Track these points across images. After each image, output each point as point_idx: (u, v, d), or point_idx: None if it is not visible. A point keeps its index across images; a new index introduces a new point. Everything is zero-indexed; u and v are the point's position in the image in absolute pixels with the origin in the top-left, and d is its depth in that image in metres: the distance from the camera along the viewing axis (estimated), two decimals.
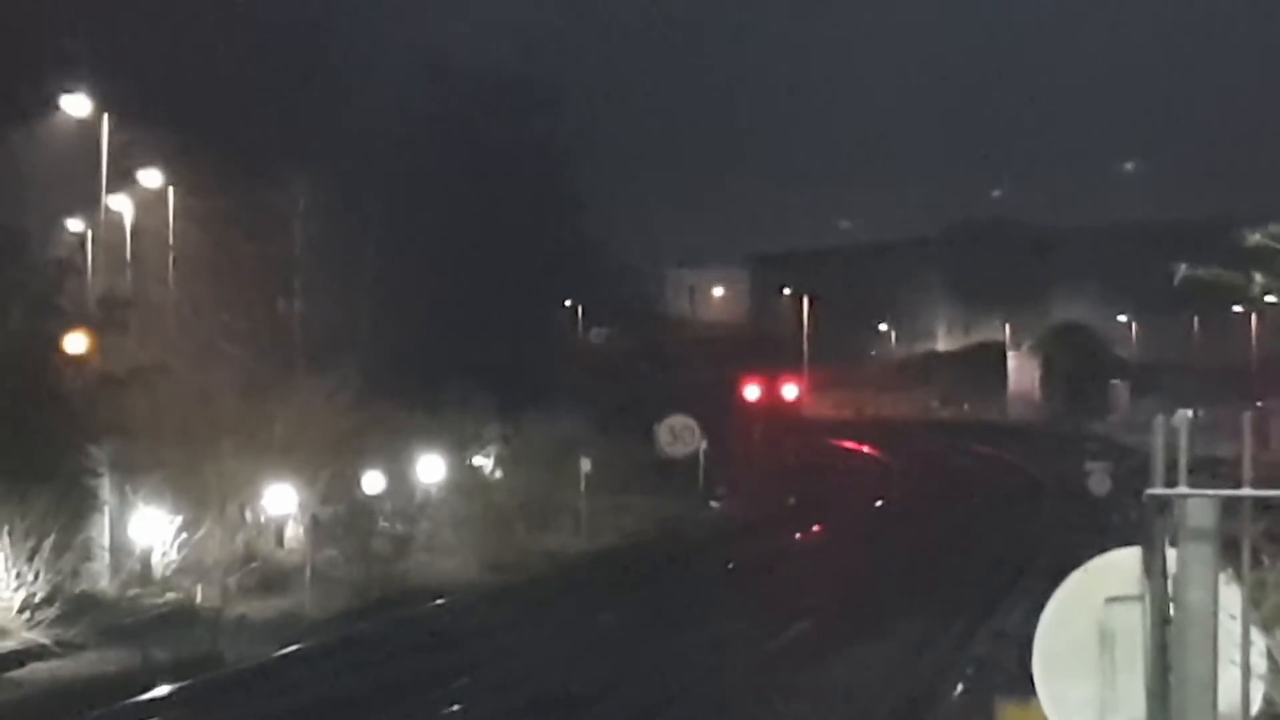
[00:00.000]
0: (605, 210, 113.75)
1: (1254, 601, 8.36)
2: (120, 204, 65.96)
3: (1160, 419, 8.69)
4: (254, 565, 54.49)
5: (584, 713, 36.37)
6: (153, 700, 38.47)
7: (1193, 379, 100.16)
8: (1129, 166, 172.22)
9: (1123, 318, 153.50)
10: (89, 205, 64.23)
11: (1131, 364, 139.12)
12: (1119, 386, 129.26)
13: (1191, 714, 8.13)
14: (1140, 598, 8.71)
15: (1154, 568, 8.47)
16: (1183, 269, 12.22)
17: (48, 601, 45.69)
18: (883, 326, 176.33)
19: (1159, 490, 8.29)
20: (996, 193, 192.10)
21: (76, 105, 61.36)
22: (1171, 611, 8.23)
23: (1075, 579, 9.50)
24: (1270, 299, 11.11)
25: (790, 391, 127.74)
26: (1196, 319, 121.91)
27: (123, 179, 64.63)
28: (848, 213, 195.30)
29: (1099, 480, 67.76)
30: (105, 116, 62.03)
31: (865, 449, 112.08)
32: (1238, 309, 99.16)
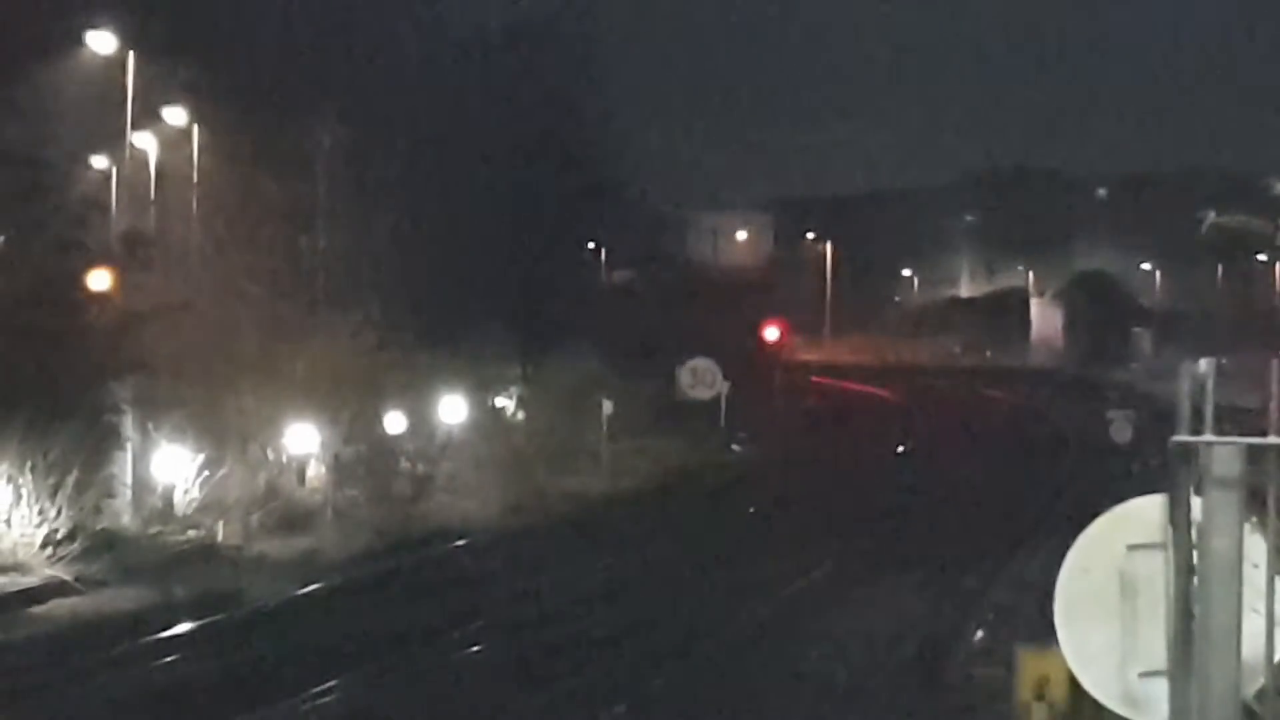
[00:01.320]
0: (630, 154, 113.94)
1: (1278, 551, 8.33)
2: (145, 141, 65.98)
3: (1187, 366, 8.65)
4: (275, 504, 54.66)
5: (598, 653, 36.25)
6: (173, 637, 38.49)
7: (1216, 327, 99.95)
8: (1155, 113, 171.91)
9: (1146, 266, 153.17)
10: (113, 142, 64.25)
11: (1155, 312, 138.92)
12: (1141, 334, 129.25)
13: (1214, 663, 8.11)
14: (1163, 546, 8.66)
15: (1178, 516, 8.43)
16: (1211, 216, 12.17)
17: (69, 538, 45.85)
18: (906, 272, 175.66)
19: (1185, 438, 8.26)
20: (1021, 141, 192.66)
21: (102, 42, 61.39)
22: (1195, 560, 8.20)
23: (1097, 526, 9.45)
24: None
25: (812, 336, 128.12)
26: (1221, 268, 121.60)
27: (148, 117, 64.59)
28: (872, 159, 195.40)
29: (1120, 428, 67.81)
30: (131, 54, 62.06)
31: (886, 394, 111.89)
32: (1262, 258, 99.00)
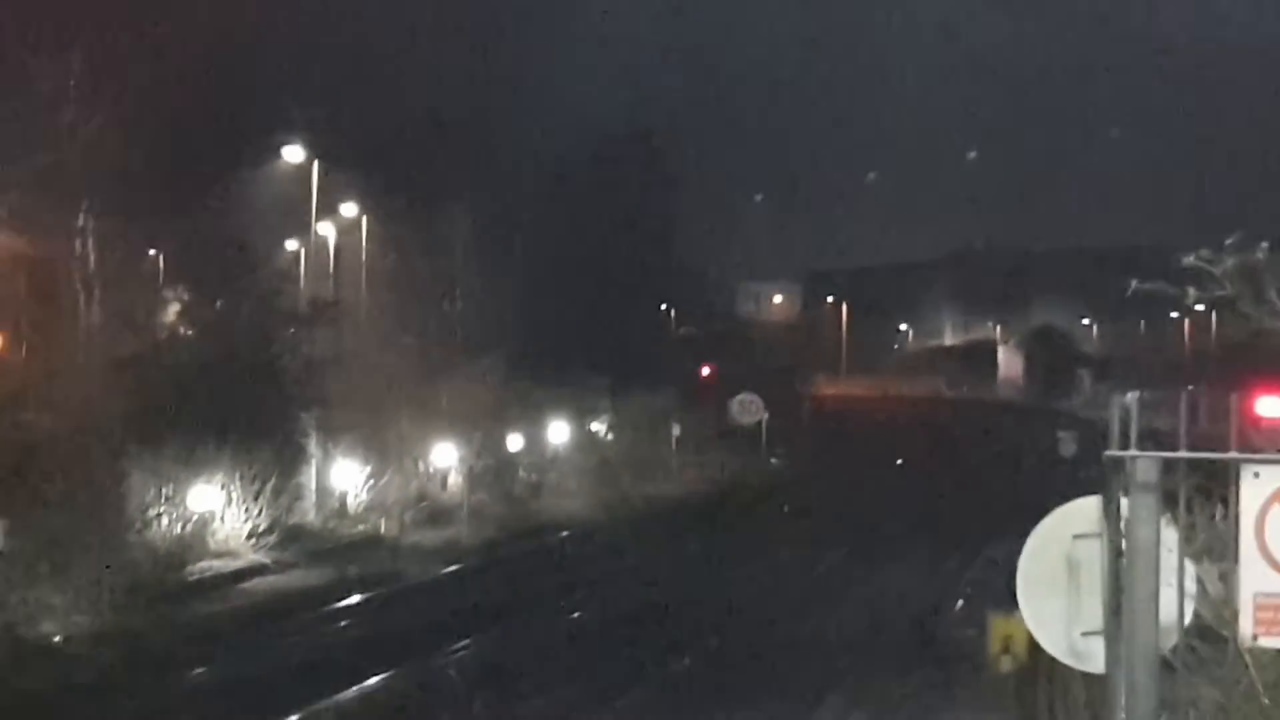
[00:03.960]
0: (694, 236, 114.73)
1: (1186, 540, 8.33)
2: (325, 229, 66.51)
3: (1116, 398, 8.68)
4: (424, 504, 54.96)
5: (669, 618, 36.14)
6: (347, 606, 38.76)
7: (1140, 369, 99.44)
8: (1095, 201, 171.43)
9: (1085, 321, 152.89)
10: (301, 231, 64.71)
11: (1093, 357, 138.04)
12: (1083, 374, 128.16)
13: (1139, 625, 8.11)
14: (1099, 535, 8.67)
15: (1110, 512, 8.44)
16: (1134, 284, 12.15)
17: (268, 531, 46.02)
18: (902, 327, 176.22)
19: (1115, 452, 8.27)
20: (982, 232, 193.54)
21: (293, 154, 61.75)
22: (1123, 546, 8.21)
23: (1048, 520, 9.48)
24: (1199, 307, 11.01)
25: (831, 376, 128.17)
26: (1143, 322, 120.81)
27: (327, 210, 65.06)
28: (879, 238, 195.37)
29: (1067, 444, 67.62)
30: (315, 163, 62.47)
31: (886, 420, 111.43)
32: (1174, 315, 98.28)
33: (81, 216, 44.50)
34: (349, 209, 67.05)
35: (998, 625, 24.34)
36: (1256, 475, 7.93)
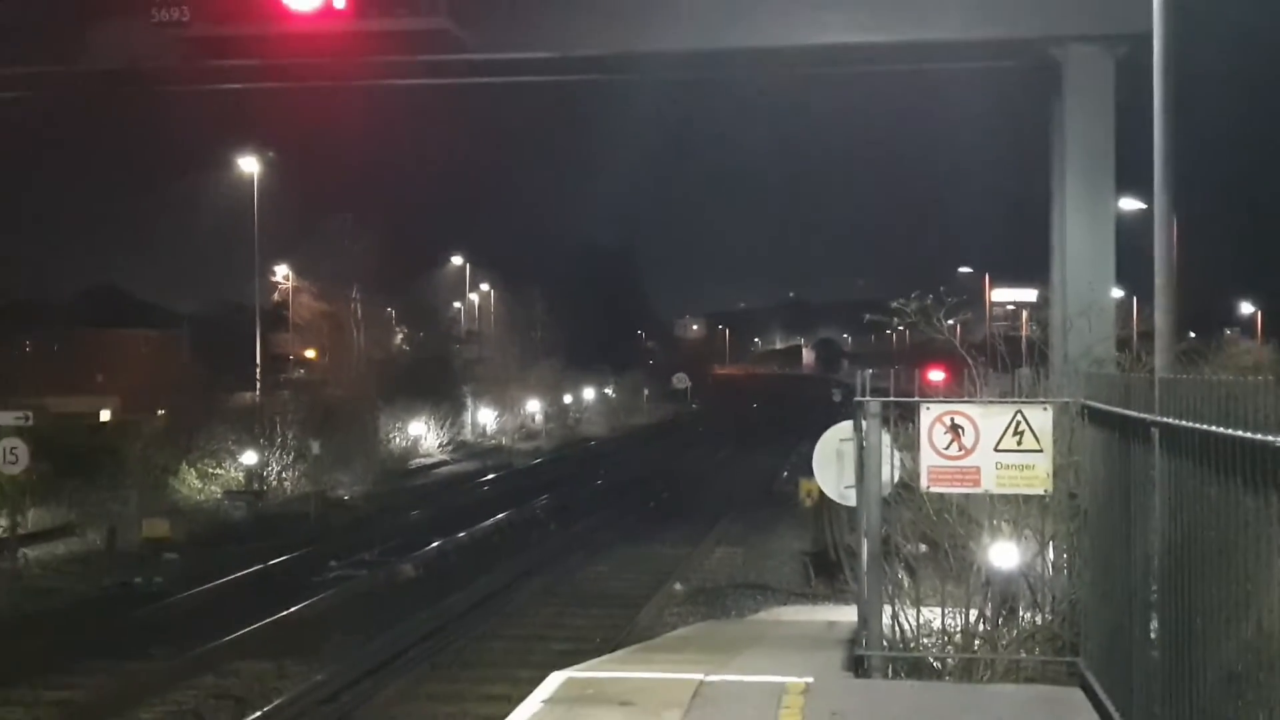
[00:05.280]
0: (659, 294, 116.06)
1: (894, 440, 8.34)
2: (472, 297, 66.69)
3: (860, 372, 8.70)
4: (523, 430, 54.61)
5: (655, 479, 35.78)
6: (487, 479, 38.40)
7: (871, 359, 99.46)
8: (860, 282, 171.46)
9: (845, 335, 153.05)
10: (460, 297, 64.85)
11: (848, 353, 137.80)
12: (844, 361, 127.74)
13: (871, 482, 8.09)
14: (852, 439, 8.70)
15: (858, 427, 8.43)
16: (867, 316, 12.13)
17: (447, 444, 46.15)
18: (757, 340, 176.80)
19: (859, 398, 8.30)
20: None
21: (457, 258, 62.17)
22: (864, 444, 8.23)
23: (827, 433, 9.45)
24: (900, 327, 11.06)
25: (723, 367, 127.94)
26: (873, 336, 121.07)
27: (472, 287, 65.31)
28: (744, 295, 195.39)
29: (835, 395, 67.35)
30: (466, 264, 62.77)
31: (748, 384, 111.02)
32: (888, 331, 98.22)
33: (354, 290, 44.77)
34: (484, 286, 67.42)
35: (804, 483, 24.42)
36: (927, 409, 7.94)
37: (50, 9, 13.05)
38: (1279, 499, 3.92)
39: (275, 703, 12.50)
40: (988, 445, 7.74)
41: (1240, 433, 4.20)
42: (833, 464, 9.24)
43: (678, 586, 19.07)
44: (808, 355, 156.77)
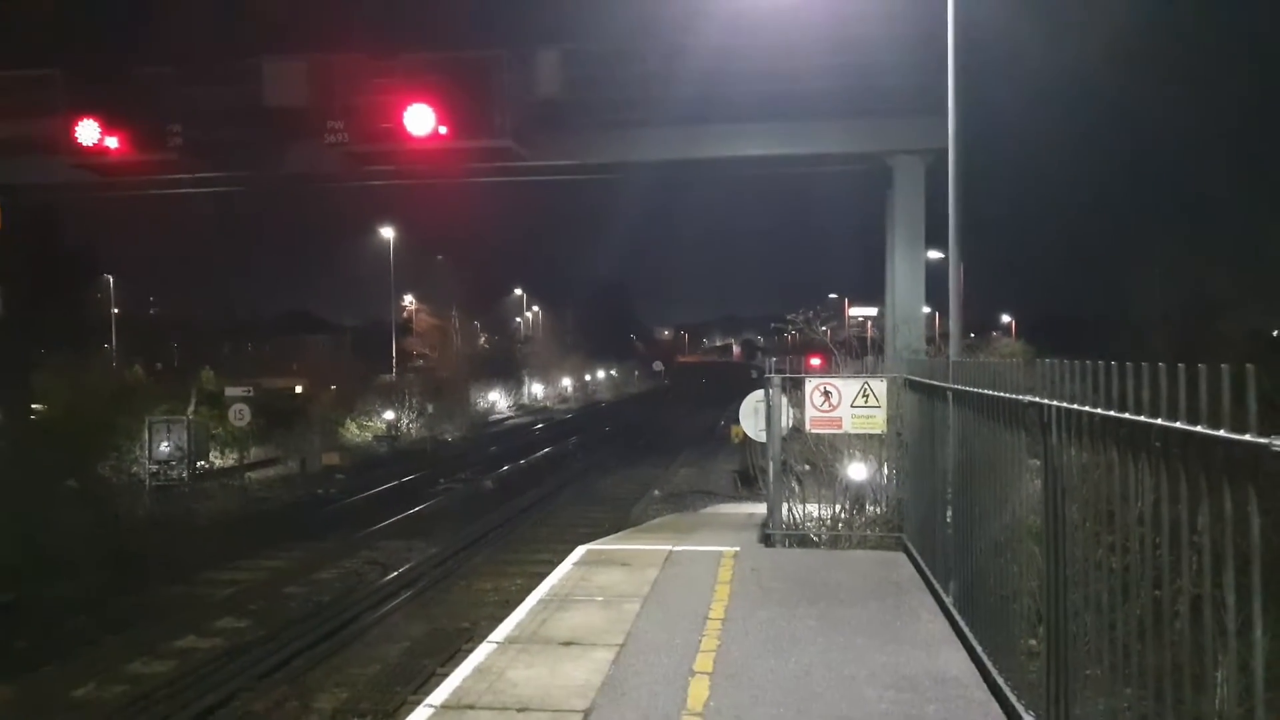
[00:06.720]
0: (648, 310, 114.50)
1: (789, 400, 8.32)
2: (528, 316, 66.12)
3: (771, 360, 8.67)
4: (560, 396, 54.35)
5: (636, 430, 35.34)
6: (537, 427, 37.76)
7: (778, 352, 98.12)
8: (770, 302, 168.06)
9: (760, 338, 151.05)
10: (517, 316, 64.24)
11: (764, 349, 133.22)
12: (761, 354, 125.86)
13: (774, 427, 8.12)
14: (765, 400, 8.69)
15: (767, 394, 8.41)
16: (773, 325, 12.09)
17: (513, 405, 45.55)
18: (718, 341, 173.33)
19: (769, 375, 8.28)
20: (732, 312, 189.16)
21: (516, 291, 61.49)
22: (770, 403, 8.23)
23: (747, 397, 9.47)
24: (795, 331, 11.03)
25: (685, 357, 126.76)
26: (776, 338, 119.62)
27: (529, 308, 64.73)
28: (697, 312, 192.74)
29: (754, 374, 66.89)
30: (524, 294, 62.14)
31: (702, 369, 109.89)
32: (786, 335, 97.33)
33: (453, 310, 44.41)
34: (535, 308, 66.70)
35: (735, 428, 24.31)
36: (810, 381, 7.94)
37: (259, 137, 13.32)
38: (1025, 434, 4.00)
39: (405, 566, 12.61)
40: (847, 403, 7.81)
41: (1000, 393, 4.31)
42: (751, 416, 9.29)
43: (656, 492, 19.16)
44: (737, 350, 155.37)
